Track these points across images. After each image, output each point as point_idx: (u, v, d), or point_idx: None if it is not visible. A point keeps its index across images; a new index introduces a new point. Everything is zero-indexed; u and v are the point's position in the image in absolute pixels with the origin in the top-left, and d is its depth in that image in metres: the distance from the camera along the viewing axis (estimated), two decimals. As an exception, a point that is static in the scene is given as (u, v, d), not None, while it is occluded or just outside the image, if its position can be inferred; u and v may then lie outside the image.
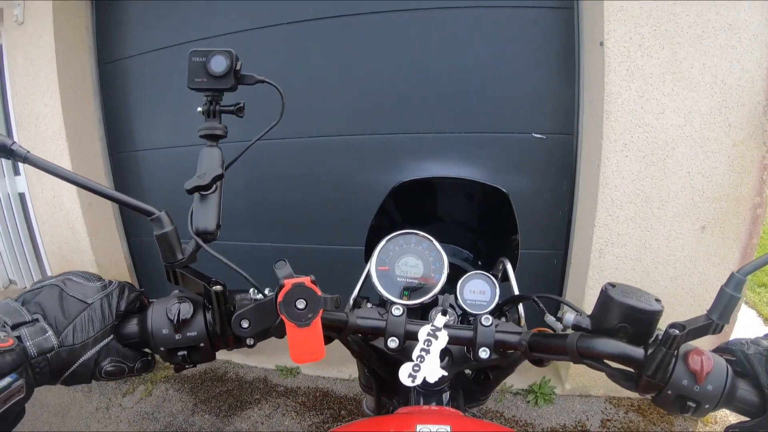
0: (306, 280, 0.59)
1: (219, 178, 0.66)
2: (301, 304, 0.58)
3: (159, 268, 2.21)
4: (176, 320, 0.62)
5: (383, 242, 0.86)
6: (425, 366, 0.66)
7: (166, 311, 0.63)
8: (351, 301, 0.88)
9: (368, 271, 0.86)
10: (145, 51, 3.04)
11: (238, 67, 0.70)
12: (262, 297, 0.65)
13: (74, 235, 3.22)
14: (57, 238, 3.34)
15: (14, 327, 0.54)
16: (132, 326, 0.64)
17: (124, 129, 3.26)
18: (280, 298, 0.58)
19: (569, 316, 0.64)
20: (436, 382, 0.67)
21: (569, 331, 0.65)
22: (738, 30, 1.85)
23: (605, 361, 0.60)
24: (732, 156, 1.95)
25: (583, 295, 2.17)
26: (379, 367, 0.82)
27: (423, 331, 0.67)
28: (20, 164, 3.06)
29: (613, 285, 0.61)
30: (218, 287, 0.62)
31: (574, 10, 2.21)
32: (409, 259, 0.85)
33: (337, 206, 2.73)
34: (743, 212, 2.01)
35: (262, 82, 0.73)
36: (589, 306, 2.14)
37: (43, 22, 3.03)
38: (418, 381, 0.66)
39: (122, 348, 0.63)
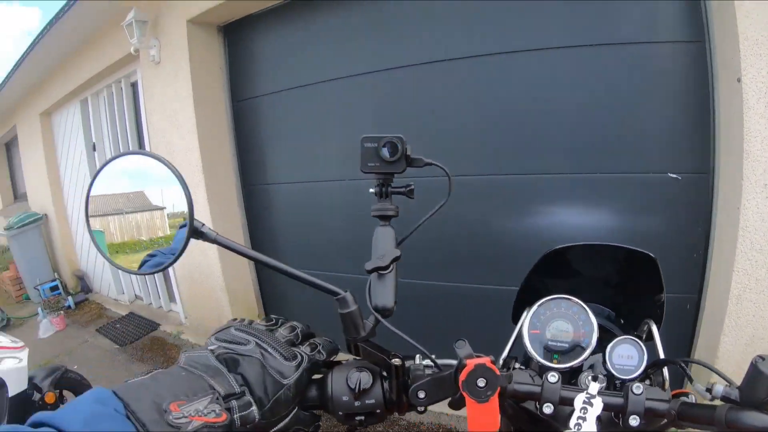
0: (486, 360, 0.63)
1: (397, 258, 0.72)
2: (481, 382, 0.62)
3: (281, 294, 2.41)
4: (357, 389, 0.67)
5: (535, 306, 0.90)
6: None
7: (347, 380, 0.68)
8: (501, 361, 0.92)
9: (518, 332, 0.90)
10: (276, 90, 3.32)
11: (408, 152, 0.76)
12: (433, 366, 0.71)
13: (206, 260, 3.52)
14: (189, 262, 3.67)
15: (226, 398, 0.57)
16: (312, 391, 0.70)
17: (256, 163, 3.56)
18: (462, 377, 0.62)
19: (719, 388, 0.65)
20: None
21: (717, 401, 0.65)
22: None
23: None
24: None
25: (718, 342, 2.12)
26: (528, 427, 0.84)
27: (579, 399, 0.69)
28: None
29: (763, 358, 0.61)
30: (397, 360, 0.68)
31: (706, 44, 2.19)
32: (560, 323, 0.88)
33: (470, 245, 2.77)
34: None
35: (431, 164, 0.79)
36: (723, 360, 2.11)
37: (179, 62, 3.37)
38: None
39: (302, 414, 0.69)
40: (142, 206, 0.74)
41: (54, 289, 6.27)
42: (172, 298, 4.80)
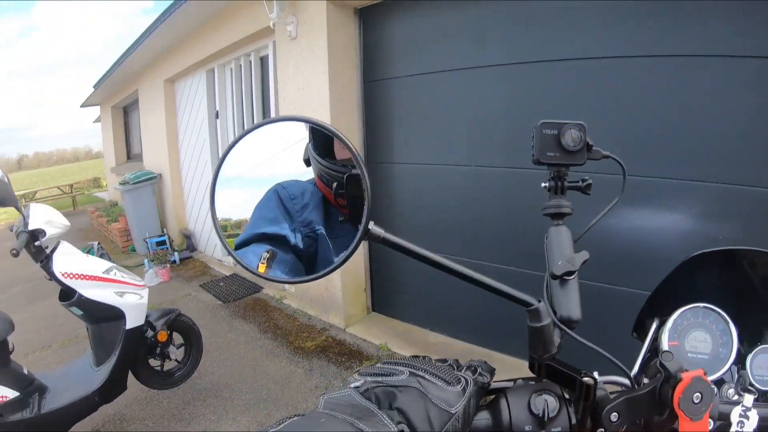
0: (701, 373, 0.58)
1: (586, 261, 0.67)
2: (697, 398, 0.57)
3: (398, 278, 2.47)
4: (544, 415, 0.59)
5: (674, 317, 0.86)
6: None
7: (529, 405, 0.60)
8: (633, 377, 0.85)
9: (649, 345, 0.87)
10: (407, 75, 3.49)
11: (590, 141, 0.70)
12: (632, 387, 0.67)
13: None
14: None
15: None
16: (483, 421, 0.61)
17: (382, 141, 3.76)
18: (679, 393, 0.57)
19: None
20: None
21: None
22: None
23: None
24: None
25: None
26: None
27: (735, 413, 0.66)
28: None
29: None
30: (589, 379, 0.60)
31: None
32: (699, 333, 0.85)
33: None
34: None
35: (608, 157, 0.74)
36: None
37: (316, 39, 3.59)
38: None
39: None
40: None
41: (161, 243, 6.74)
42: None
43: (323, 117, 3.56)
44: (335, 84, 3.59)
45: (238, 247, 0.59)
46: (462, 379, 0.59)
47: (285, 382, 3.15)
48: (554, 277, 0.65)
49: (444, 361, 0.63)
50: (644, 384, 0.64)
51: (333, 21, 3.57)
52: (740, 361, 0.82)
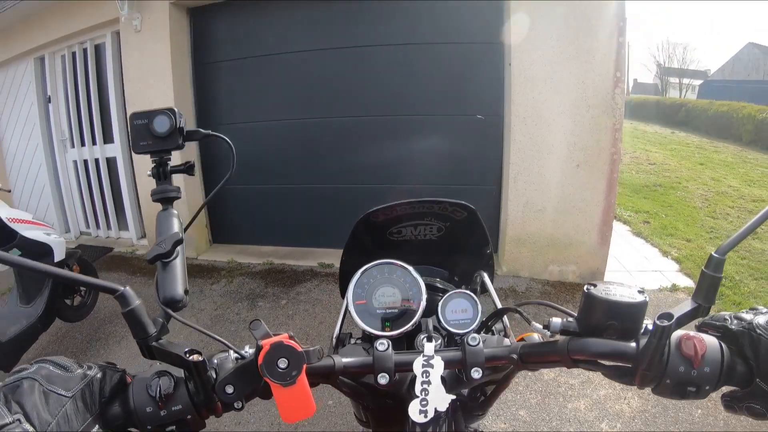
0: (284, 337, 0.63)
1: (179, 242, 0.73)
2: (283, 363, 0.61)
3: (228, 213, 4.20)
4: (158, 396, 0.63)
5: (357, 275, 0.91)
6: (432, 397, 0.68)
7: (147, 388, 0.64)
8: (334, 339, 0.94)
9: (346, 306, 0.92)
10: (230, 59, 4.97)
11: (181, 124, 0.78)
12: (242, 357, 0.69)
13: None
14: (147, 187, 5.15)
15: None
16: (115, 409, 0.64)
17: (212, 110, 5.18)
18: (260, 360, 0.62)
19: (556, 321, 0.68)
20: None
21: (558, 336, 0.68)
22: (594, 53, 3.68)
23: (599, 361, 0.66)
24: (592, 123, 3.79)
25: (507, 208, 4.03)
26: (374, 402, 0.85)
27: (417, 363, 0.70)
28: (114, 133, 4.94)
29: (594, 285, 0.67)
30: (196, 356, 0.65)
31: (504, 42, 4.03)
32: (386, 289, 0.90)
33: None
34: (604, 157, 3.85)
35: (209, 136, 0.83)
36: (511, 218, 3.97)
37: (159, 32, 4.86)
38: (431, 414, 0.68)
39: None
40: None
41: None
42: (123, 226, 6.10)
43: (167, 93, 4.86)
44: (176, 67, 4.89)
45: None
46: (87, 365, 0.63)
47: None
48: (149, 262, 0.72)
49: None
50: (248, 351, 0.70)
51: (173, 16, 4.84)
52: (434, 311, 0.87)
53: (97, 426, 0.61)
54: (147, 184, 5.24)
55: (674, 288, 4.09)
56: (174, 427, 0.65)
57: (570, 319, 0.69)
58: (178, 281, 0.72)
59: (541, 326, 0.71)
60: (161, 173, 0.81)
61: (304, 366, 0.63)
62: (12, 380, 0.59)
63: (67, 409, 0.58)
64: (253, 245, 5.31)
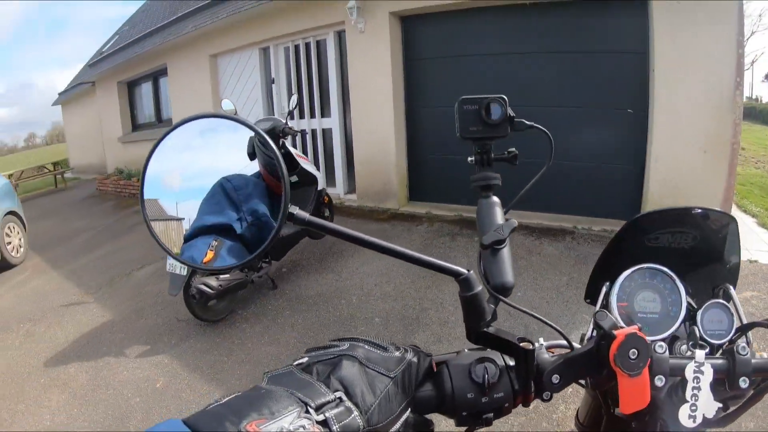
0: (636, 329, 0.66)
1: (515, 229, 0.76)
2: (633, 354, 0.65)
3: (423, 176, 6.34)
4: (485, 383, 0.66)
5: (621, 279, 0.95)
6: (701, 403, 0.71)
7: (470, 373, 0.67)
8: (584, 341, 0.92)
9: (600, 308, 0.96)
10: (432, 57, 6.83)
11: (512, 113, 0.81)
12: (565, 344, 0.76)
13: (386, 148, 6.87)
14: (368, 154, 7.02)
15: (318, 408, 0.54)
16: (427, 392, 0.68)
17: (417, 96, 7.06)
18: (614, 350, 0.65)
19: None
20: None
21: None
22: (719, 61, 5.03)
23: None
24: (717, 118, 5.17)
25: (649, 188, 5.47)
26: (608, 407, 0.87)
27: (689, 369, 0.72)
28: (333, 109, 7.11)
29: None
30: (527, 344, 0.70)
31: (649, 53, 5.42)
32: (647, 293, 0.93)
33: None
34: (726, 145, 5.23)
35: (532, 127, 0.85)
36: (650, 198, 5.41)
37: (380, 33, 6.76)
38: (699, 420, 0.72)
39: (416, 417, 0.67)
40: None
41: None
42: (330, 183, 8.07)
43: (386, 83, 6.70)
44: (394, 62, 6.78)
45: (187, 240, 0.66)
46: (401, 347, 0.68)
47: (381, 232, 6.19)
48: (484, 247, 0.74)
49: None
50: (582, 345, 0.73)
51: (391, 22, 6.67)
52: (692, 318, 0.90)
53: (409, 409, 0.65)
54: (361, 149, 7.17)
55: None
56: (491, 414, 0.68)
57: None
58: (509, 267, 0.73)
59: None
60: (484, 160, 0.83)
61: (649, 359, 0.66)
62: (324, 355, 0.64)
63: (389, 390, 0.62)
64: (444, 203, 7.02)
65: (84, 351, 4.31)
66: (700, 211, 1.02)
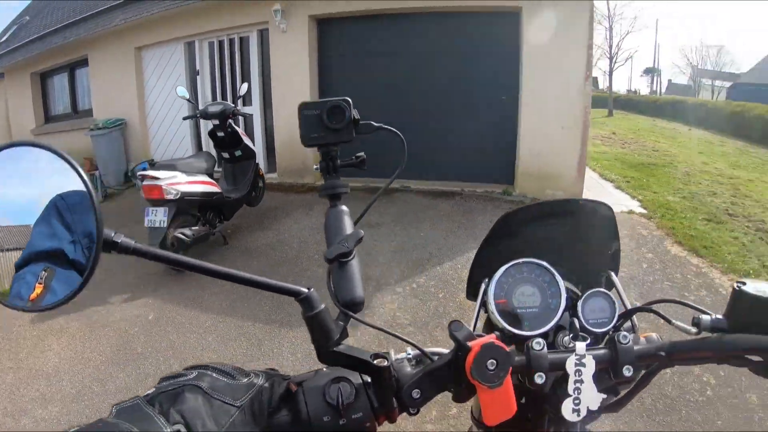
0: (492, 338, 0.67)
1: (360, 240, 0.76)
2: (491, 365, 0.65)
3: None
4: (339, 403, 0.65)
5: (498, 275, 0.96)
6: (584, 396, 0.73)
7: (324, 395, 0.66)
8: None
9: (480, 305, 0.98)
10: (342, 54, 8.34)
11: (357, 116, 0.82)
12: (423, 357, 0.75)
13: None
14: (288, 137, 8.27)
15: None
16: (283, 418, 0.66)
17: (330, 86, 8.47)
18: (470, 362, 0.65)
19: (706, 319, 0.76)
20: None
21: (703, 333, 0.76)
22: (572, 58, 6.78)
23: (746, 356, 0.71)
24: (572, 100, 6.98)
25: (519, 152, 7.12)
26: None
27: (570, 362, 0.73)
28: (254, 98, 8.20)
29: (743, 282, 0.74)
30: (383, 360, 0.68)
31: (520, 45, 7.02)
32: (526, 288, 0.95)
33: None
34: (579, 123, 7.08)
35: (381, 129, 0.87)
36: (522, 162, 7.06)
37: (299, 34, 8.15)
38: (583, 413, 0.73)
39: None
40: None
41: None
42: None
43: (305, 79, 8.06)
44: (312, 61, 8.06)
45: (18, 268, 0.60)
46: (252, 373, 0.67)
47: (304, 202, 7.50)
48: (329, 261, 0.74)
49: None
50: (441, 356, 0.73)
51: (309, 24, 7.97)
52: (574, 308, 0.93)
53: None
54: (282, 133, 8.40)
55: (630, 212, 7.13)
56: None
57: (719, 316, 0.76)
58: (358, 281, 0.73)
59: (683, 325, 0.79)
60: (330, 167, 0.83)
61: (510, 368, 0.67)
62: (169, 386, 0.61)
63: (236, 420, 0.61)
64: (354, 177, 8.24)
65: (67, 308, 4.84)
66: (574, 201, 1.12)
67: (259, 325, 4.25)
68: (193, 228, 5.35)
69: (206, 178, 5.69)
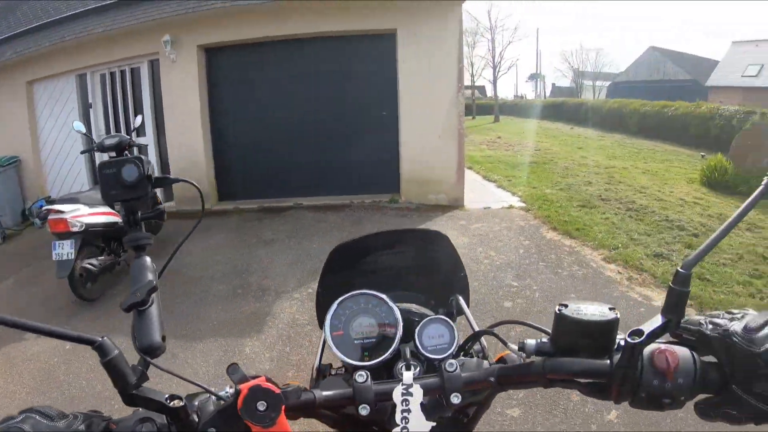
0: (261, 380, 0.69)
1: (154, 290, 0.79)
2: (261, 406, 0.68)
3: (229, 180, 8.73)
4: None
5: (333, 308, 0.98)
6: (412, 425, 0.74)
7: None
8: (314, 372, 1.02)
9: (324, 337, 0.99)
10: (233, 81, 8.87)
11: (149, 172, 0.85)
12: (222, 400, 0.74)
13: (197, 159, 8.56)
14: (182, 165, 8.66)
15: None
16: None
17: (220, 112, 8.98)
18: (239, 404, 0.68)
19: (530, 343, 0.77)
20: None
21: (533, 357, 0.78)
22: (445, 74, 7.56)
23: (574, 379, 0.74)
24: (447, 112, 7.82)
25: (401, 165, 7.87)
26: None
27: (397, 393, 0.76)
28: (147, 129, 8.65)
29: (565, 305, 0.75)
30: (176, 402, 0.70)
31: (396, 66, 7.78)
32: (363, 318, 0.96)
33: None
34: (455, 131, 7.95)
35: (177, 181, 0.92)
36: (405, 172, 7.82)
37: (189, 63, 8.62)
38: None
39: None
40: None
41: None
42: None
43: (195, 103, 8.60)
44: (202, 87, 8.56)
45: None
46: (71, 415, 0.68)
47: (202, 226, 7.80)
48: (125, 310, 0.77)
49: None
50: (228, 392, 0.74)
51: (198, 53, 8.43)
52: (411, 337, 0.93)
53: None
54: (176, 162, 8.79)
55: (510, 207, 8.02)
56: None
57: (544, 339, 0.78)
58: (156, 328, 0.76)
59: (516, 347, 0.80)
60: (131, 221, 0.88)
61: (283, 407, 0.69)
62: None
63: None
64: (248, 199, 8.98)
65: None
66: (410, 231, 1.15)
67: (172, 340, 4.48)
68: (99, 258, 5.65)
69: (107, 209, 5.80)
